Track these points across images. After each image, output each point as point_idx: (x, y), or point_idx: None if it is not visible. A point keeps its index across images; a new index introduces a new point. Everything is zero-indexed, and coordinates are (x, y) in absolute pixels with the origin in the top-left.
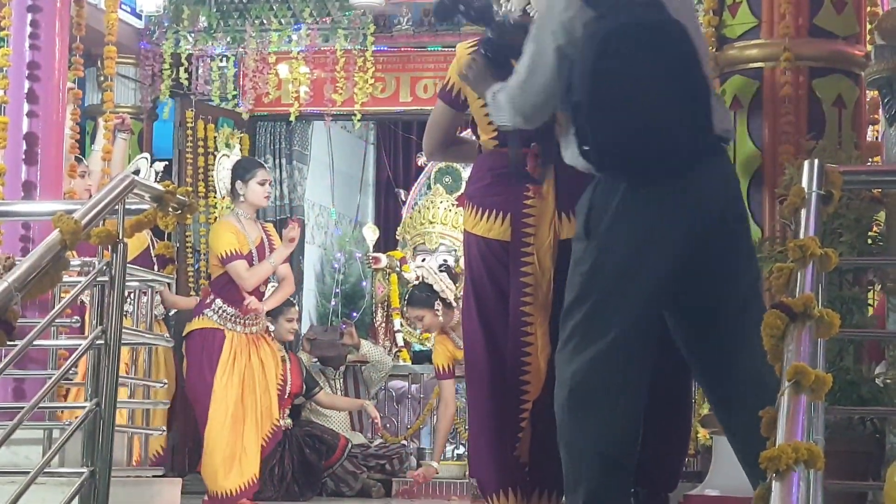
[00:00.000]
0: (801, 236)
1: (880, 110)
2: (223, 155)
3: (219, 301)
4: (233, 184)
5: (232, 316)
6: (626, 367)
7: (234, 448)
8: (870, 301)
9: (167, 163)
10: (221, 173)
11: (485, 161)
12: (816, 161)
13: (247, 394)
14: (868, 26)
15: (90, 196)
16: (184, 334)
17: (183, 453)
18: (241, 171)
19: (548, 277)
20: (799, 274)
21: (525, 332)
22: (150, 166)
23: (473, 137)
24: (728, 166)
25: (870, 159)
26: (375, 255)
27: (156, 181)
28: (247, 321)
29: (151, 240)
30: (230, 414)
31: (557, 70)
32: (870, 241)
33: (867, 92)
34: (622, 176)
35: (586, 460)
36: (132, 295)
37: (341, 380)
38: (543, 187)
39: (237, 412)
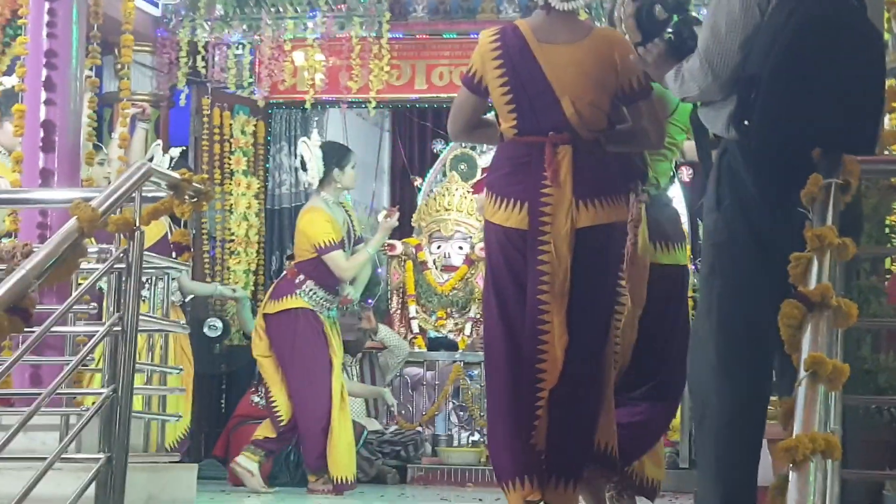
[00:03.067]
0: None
1: None
2: (301, 141)
3: (310, 283)
4: (328, 170)
5: (321, 299)
6: (759, 338)
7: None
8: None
9: (184, 148)
10: (310, 162)
11: (504, 150)
12: None
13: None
14: (886, 15)
15: (109, 184)
16: (270, 312)
17: (198, 439)
18: (339, 158)
19: (565, 266)
20: (816, 263)
21: (542, 321)
22: (165, 153)
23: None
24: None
25: (888, 148)
26: (391, 241)
27: (170, 167)
28: (330, 305)
29: (170, 226)
30: (340, 399)
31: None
32: (887, 230)
33: (885, 81)
34: (772, 163)
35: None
36: (149, 281)
37: (358, 366)
38: (561, 175)
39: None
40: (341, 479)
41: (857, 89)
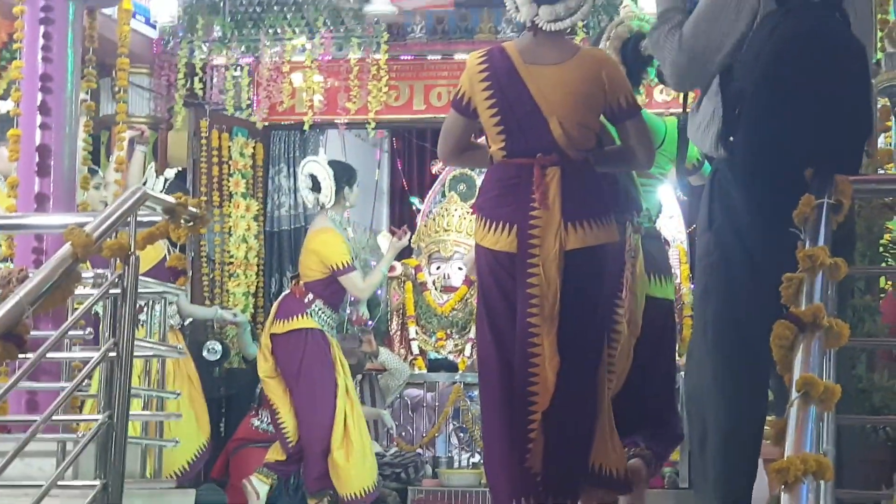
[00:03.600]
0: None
1: (892, 118)
2: (311, 161)
3: (319, 302)
4: (339, 189)
5: (328, 318)
6: (754, 357)
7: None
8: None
9: (180, 169)
10: (325, 181)
11: (494, 172)
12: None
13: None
14: (879, 34)
15: (106, 208)
16: (278, 332)
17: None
18: (348, 176)
19: (554, 288)
20: (808, 283)
21: (532, 343)
22: (160, 175)
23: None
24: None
25: (884, 167)
26: None
27: (164, 189)
28: (334, 325)
29: (168, 249)
30: (350, 418)
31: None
32: (881, 250)
33: (878, 99)
34: (756, 178)
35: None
36: (147, 305)
37: (358, 388)
38: (549, 197)
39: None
40: (350, 496)
41: (843, 105)
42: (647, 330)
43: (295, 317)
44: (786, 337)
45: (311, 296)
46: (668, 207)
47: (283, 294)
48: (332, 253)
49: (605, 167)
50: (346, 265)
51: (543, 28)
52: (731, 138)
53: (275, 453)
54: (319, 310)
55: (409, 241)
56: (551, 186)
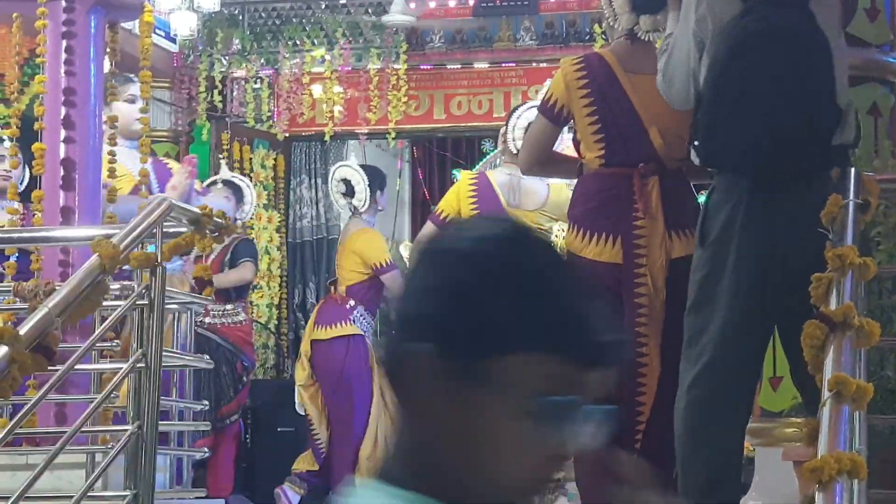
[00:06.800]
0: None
1: None
2: (343, 165)
3: (361, 308)
4: (371, 193)
5: (368, 325)
6: (738, 374)
7: None
8: None
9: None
10: (359, 185)
11: (591, 183)
12: (853, 170)
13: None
14: None
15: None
16: (321, 339)
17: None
18: (381, 180)
19: (661, 297)
20: (838, 283)
21: (640, 353)
22: None
23: (572, 154)
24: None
25: None
26: None
27: None
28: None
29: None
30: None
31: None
32: None
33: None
34: (732, 177)
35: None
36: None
37: None
38: (652, 207)
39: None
40: None
41: (804, 98)
42: None
43: (338, 323)
44: (817, 337)
45: (352, 301)
46: None
47: (322, 300)
48: (375, 251)
49: (694, 178)
50: (387, 263)
51: (643, 38)
52: (696, 143)
53: (306, 462)
54: (361, 315)
55: None
56: (653, 196)
